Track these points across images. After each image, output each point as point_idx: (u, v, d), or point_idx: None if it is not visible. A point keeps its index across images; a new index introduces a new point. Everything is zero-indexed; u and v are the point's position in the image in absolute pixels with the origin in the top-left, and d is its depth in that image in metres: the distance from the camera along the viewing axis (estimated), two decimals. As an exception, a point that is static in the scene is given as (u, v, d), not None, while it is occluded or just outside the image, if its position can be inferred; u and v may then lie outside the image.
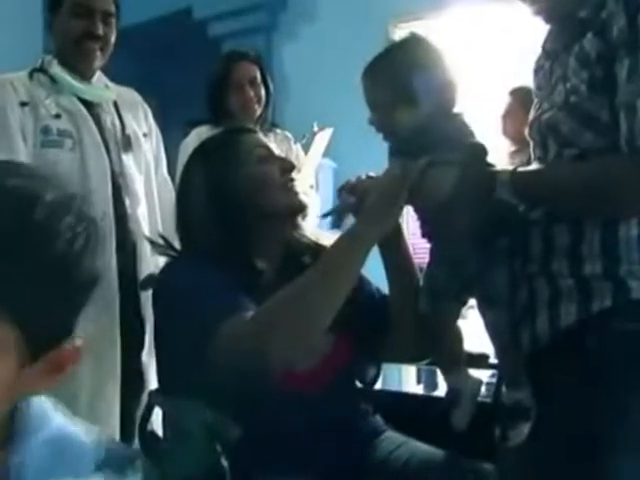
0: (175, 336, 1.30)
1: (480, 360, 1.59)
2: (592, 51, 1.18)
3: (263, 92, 2.81)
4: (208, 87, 2.82)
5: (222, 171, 1.44)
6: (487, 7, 3.77)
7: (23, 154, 1.96)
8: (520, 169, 1.28)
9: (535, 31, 1.40)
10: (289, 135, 3.02)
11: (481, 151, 1.29)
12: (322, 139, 3.07)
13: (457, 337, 1.45)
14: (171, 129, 2.79)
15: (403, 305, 1.44)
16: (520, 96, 3.50)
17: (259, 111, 2.81)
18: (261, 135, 1.54)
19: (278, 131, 2.98)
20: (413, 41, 1.40)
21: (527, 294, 1.30)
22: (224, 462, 1.17)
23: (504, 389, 1.33)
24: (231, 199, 1.41)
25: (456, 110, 1.36)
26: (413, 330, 1.43)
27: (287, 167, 1.47)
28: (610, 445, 1.14)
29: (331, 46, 4.08)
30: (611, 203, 1.20)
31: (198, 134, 2.75)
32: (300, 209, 1.48)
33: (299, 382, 1.33)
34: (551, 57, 1.33)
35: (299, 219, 1.51)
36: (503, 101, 3.43)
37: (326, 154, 3.59)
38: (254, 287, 1.30)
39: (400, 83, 1.32)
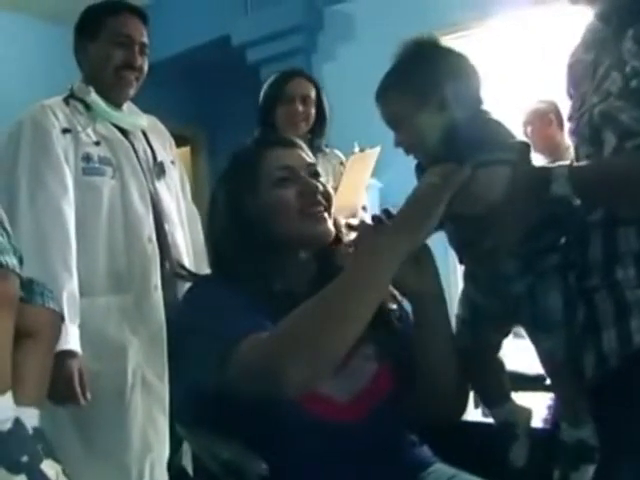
0: (192, 362, 1.24)
1: (535, 382, 1.49)
2: None
3: (313, 111, 2.75)
4: (261, 100, 2.78)
5: (239, 192, 1.36)
6: (526, 17, 3.73)
7: (70, 182, 1.97)
8: (577, 164, 1.18)
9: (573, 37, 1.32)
10: (339, 154, 2.96)
11: (527, 149, 1.19)
12: (361, 159, 2.99)
13: (500, 368, 1.33)
14: (218, 157, 2.79)
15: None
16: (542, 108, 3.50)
17: (304, 129, 2.74)
18: (297, 148, 1.43)
19: (327, 150, 2.92)
20: (424, 46, 1.28)
21: (586, 312, 1.17)
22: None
23: (563, 425, 1.21)
24: (247, 223, 1.34)
25: (484, 108, 1.26)
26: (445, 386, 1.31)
27: (307, 190, 1.34)
28: None
29: (370, 65, 4.03)
30: None
31: None
32: (321, 239, 1.36)
33: (341, 413, 1.26)
34: (595, 47, 1.23)
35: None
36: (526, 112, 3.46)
37: (372, 174, 3.52)
38: (278, 313, 1.17)
39: (424, 90, 1.22)
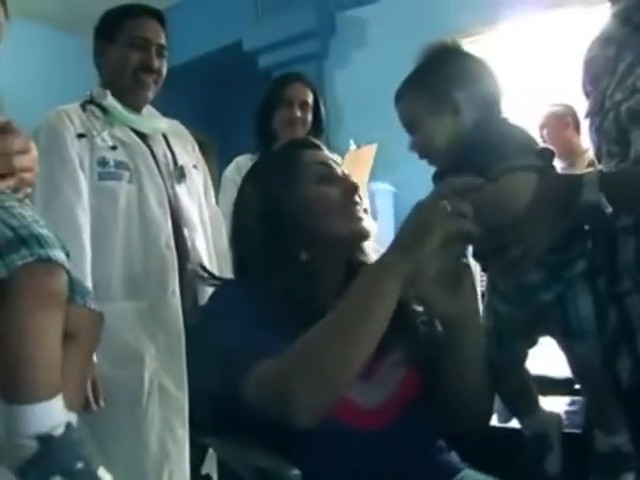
0: (209, 374, 1.24)
1: (563, 386, 1.45)
2: None
3: (311, 118, 2.73)
4: (259, 105, 2.76)
5: (275, 190, 1.32)
6: (538, 20, 3.73)
7: (85, 186, 1.95)
8: (607, 170, 1.15)
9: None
10: (337, 157, 2.93)
11: (551, 155, 1.16)
12: (356, 156, 2.95)
13: (527, 378, 1.29)
14: (229, 162, 2.78)
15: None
16: (559, 111, 3.47)
17: (302, 134, 2.69)
18: (325, 151, 1.41)
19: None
20: (445, 51, 1.26)
21: (619, 317, 1.14)
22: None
23: (596, 433, 1.17)
24: (284, 223, 1.30)
25: (504, 114, 1.23)
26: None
27: (350, 188, 1.33)
28: None
29: (383, 70, 4.03)
30: None
31: (237, 164, 2.74)
32: (362, 238, 1.34)
33: (368, 419, 1.23)
34: (614, 43, 1.21)
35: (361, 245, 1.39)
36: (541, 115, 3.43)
37: (384, 179, 3.50)
38: (302, 323, 1.14)
39: (442, 94, 1.19)
